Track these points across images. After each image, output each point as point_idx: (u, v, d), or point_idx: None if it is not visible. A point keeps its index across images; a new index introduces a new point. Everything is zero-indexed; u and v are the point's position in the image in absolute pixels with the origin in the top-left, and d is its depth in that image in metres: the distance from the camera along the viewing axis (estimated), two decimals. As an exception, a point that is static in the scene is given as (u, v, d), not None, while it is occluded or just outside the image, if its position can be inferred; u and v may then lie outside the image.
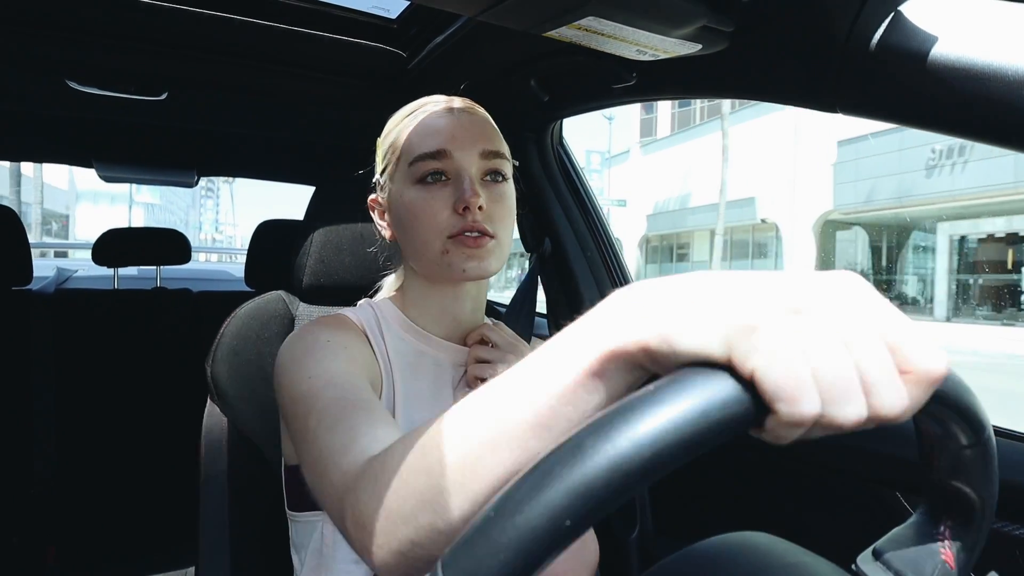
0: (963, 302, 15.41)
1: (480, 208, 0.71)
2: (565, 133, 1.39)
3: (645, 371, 0.31)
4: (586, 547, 0.77)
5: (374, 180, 0.82)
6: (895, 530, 0.40)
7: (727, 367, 0.27)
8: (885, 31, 0.62)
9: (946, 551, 0.38)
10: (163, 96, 1.34)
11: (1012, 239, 14.67)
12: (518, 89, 1.13)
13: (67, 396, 2.00)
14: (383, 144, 0.80)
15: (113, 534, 2.11)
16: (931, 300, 15.50)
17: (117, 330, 2.11)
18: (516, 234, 0.86)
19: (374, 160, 0.82)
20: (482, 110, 0.80)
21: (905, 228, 16.60)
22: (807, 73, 0.71)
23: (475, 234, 0.71)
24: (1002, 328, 13.33)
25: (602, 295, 0.33)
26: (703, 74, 0.87)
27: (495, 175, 0.76)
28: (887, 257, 17.21)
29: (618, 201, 22.75)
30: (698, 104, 21.58)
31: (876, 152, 15.15)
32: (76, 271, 2.59)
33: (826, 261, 16.75)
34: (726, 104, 16.52)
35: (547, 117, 1.27)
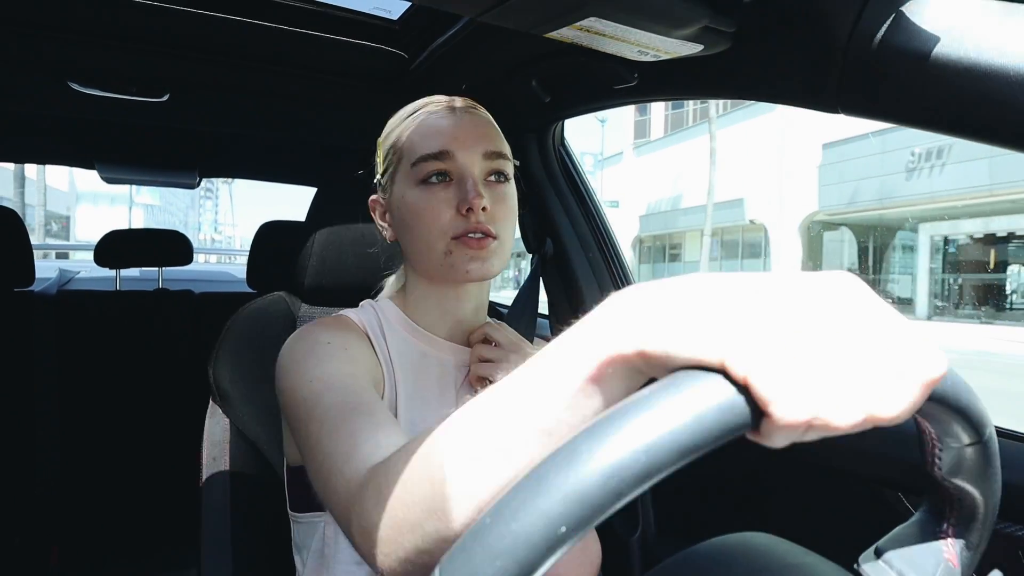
0: (944, 300, 15.52)
1: (484, 209, 0.71)
2: (560, 134, 1.39)
3: (643, 375, 0.31)
4: (589, 548, 0.77)
5: (375, 180, 0.82)
6: (897, 529, 0.39)
7: (721, 371, 0.27)
8: (887, 31, 0.62)
9: (949, 549, 0.38)
10: (165, 97, 1.34)
11: (990, 240, 14.81)
12: (519, 90, 1.13)
13: (69, 397, 2.01)
14: (384, 145, 0.80)
15: (115, 535, 2.11)
16: (913, 299, 15.58)
17: (119, 331, 2.11)
18: (516, 234, 0.86)
19: (375, 161, 0.82)
20: (484, 110, 0.79)
21: (888, 228, 16.72)
22: (809, 73, 0.71)
23: (478, 235, 0.71)
24: (981, 326, 13.46)
25: (604, 296, 0.33)
26: (704, 75, 0.87)
27: (498, 176, 0.75)
28: (872, 257, 17.30)
29: (611, 202, 22.91)
30: (691, 106, 21.62)
31: (859, 155, 15.26)
32: (78, 272, 2.59)
33: (812, 261, 16.81)
34: (713, 107, 16.53)
35: (548, 117, 1.27)
